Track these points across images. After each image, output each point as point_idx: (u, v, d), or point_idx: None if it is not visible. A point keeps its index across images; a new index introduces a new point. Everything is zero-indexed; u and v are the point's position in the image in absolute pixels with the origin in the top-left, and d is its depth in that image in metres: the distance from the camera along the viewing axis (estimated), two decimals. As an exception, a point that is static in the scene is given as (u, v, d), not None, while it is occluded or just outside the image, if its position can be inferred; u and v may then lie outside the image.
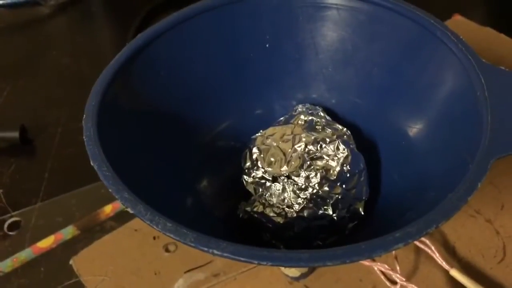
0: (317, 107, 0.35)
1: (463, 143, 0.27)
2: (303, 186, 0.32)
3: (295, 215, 0.32)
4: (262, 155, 0.33)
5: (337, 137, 0.32)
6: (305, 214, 0.32)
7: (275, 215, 0.33)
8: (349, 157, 0.32)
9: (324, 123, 0.33)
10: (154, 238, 0.42)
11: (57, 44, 0.62)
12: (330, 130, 0.33)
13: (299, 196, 0.32)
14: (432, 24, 0.31)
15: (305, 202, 0.32)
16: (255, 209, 0.33)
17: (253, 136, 0.34)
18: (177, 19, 0.32)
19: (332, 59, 0.35)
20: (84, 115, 0.28)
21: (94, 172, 0.45)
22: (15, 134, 0.48)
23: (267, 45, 0.35)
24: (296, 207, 0.32)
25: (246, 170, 0.34)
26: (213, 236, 0.22)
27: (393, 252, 0.37)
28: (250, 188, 0.34)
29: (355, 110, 0.36)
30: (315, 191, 0.32)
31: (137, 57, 0.31)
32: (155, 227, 0.23)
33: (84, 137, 0.27)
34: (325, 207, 0.32)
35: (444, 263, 0.37)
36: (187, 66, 0.33)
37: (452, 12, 0.57)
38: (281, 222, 0.32)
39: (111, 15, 0.69)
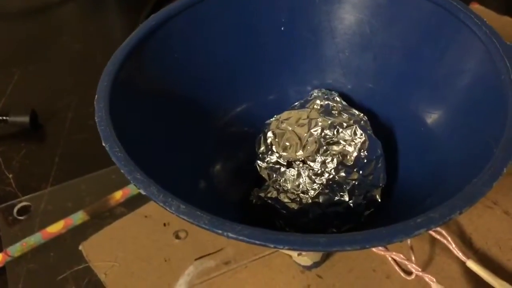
0: (333, 92, 0.34)
1: (487, 128, 0.26)
2: (319, 172, 0.31)
3: (310, 201, 0.31)
4: (277, 140, 0.32)
5: (354, 122, 0.32)
6: (321, 200, 0.31)
7: (290, 201, 0.32)
8: (367, 143, 0.31)
9: (340, 108, 0.33)
10: (165, 224, 0.41)
11: (68, 30, 0.62)
12: (346, 115, 0.32)
13: (314, 182, 0.31)
14: (455, 6, 0.30)
15: (320, 188, 0.31)
16: (268, 195, 0.33)
17: (268, 121, 0.34)
18: (191, 1, 0.31)
19: (349, 43, 0.34)
20: (96, 96, 0.27)
21: (104, 158, 0.44)
22: (26, 119, 0.48)
23: (283, 28, 0.34)
24: (312, 193, 0.31)
25: (260, 155, 0.33)
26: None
27: (409, 241, 0.36)
28: (264, 174, 0.33)
29: (372, 95, 0.35)
30: (331, 176, 0.31)
31: (151, 37, 0.30)
32: (168, 209, 0.22)
33: (96, 118, 0.26)
34: (341, 193, 0.31)
35: (460, 254, 0.36)
36: (202, 48, 0.33)
37: (470, 1, 0.56)
38: (296, 208, 0.32)
39: (122, 2, 0.68)
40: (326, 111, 0.32)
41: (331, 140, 0.31)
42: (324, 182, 0.31)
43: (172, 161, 0.29)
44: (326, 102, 0.33)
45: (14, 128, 0.49)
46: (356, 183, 0.31)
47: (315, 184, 0.31)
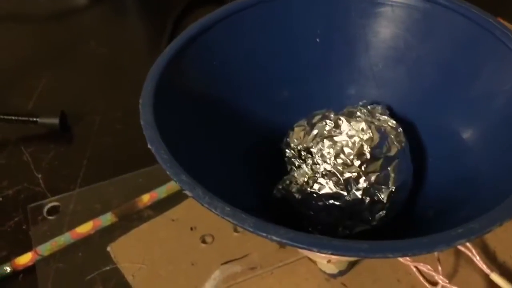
0: (379, 106, 0.34)
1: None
2: (318, 161, 0.31)
3: (309, 190, 0.31)
4: (293, 132, 0.33)
5: (366, 120, 0.32)
6: (319, 191, 0.31)
7: (296, 191, 0.32)
8: (374, 140, 0.31)
9: (367, 113, 0.33)
10: (191, 229, 0.42)
11: (94, 35, 0.63)
12: (366, 114, 0.33)
13: (314, 172, 0.31)
14: (491, 23, 0.30)
15: (318, 179, 0.31)
16: (284, 185, 0.33)
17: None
18: (232, 9, 0.32)
19: (383, 56, 0.35)
20: (141, 100, 0.28)
21: (131, 162, 0.46)
22: (55, 121, 0.49)
23: (318, 40, 0.35)
24: (310, 183, 0.31)
25: (284, 148, 0.34)
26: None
27: (436, 253, 0.37)
28: (288, 167, 0.34)
29: (404, 109, 0.35)
30: (328, 167, 0.31)
31: (191, 45, 0.31)
32: (213, 210, 0.23)
33: (141, 121, 0.27)
34: (339, 186, 0.31)
35: (484, 266, 0.36)
36: (238, 55, 0.33)
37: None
38: (299, 198, 0.32)
39: (147, 7, 0.70)
40: (351, 113, 0.33)
41: (333, 131, 0.31)
42: (323, 172, 0.31)
43: (212, 163, 0.30)
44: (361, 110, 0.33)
45: (44, 129, 0.49)
46: (353, 176, 0.30)
47: (317, 174, 0.31)
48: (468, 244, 0.38)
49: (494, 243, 0.40)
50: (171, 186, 0.44)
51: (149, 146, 0.26)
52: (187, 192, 0.24)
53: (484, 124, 0.31)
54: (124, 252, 0.40)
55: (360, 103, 0.34)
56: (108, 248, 0.40)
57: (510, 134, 0.28)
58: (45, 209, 0.43)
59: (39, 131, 0.49)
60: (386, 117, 0.33)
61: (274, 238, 0.22)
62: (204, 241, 0.41)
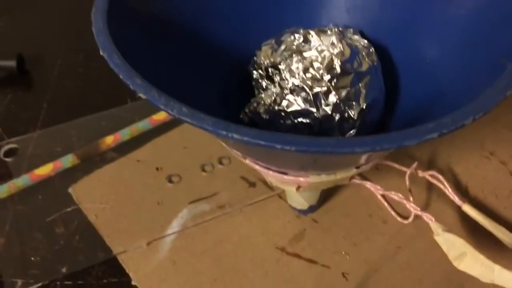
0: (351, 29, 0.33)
1: (501, 49, 0.25)
2: (286, 77, 0.30)
3: (277, 109, 0.30)
4: (262, 51, 0.31)
5: (337, 35, 0.30)
6: (287, 109, 0.30)
7: (263, 111, 0.30)
8: (345, 54, 0.29)
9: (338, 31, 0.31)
10: (157, 169, 0.40)
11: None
12: (339, 34, 0.31)
13: (283, 88, 0.30)
14: None
15: (286, 95, 0.30)
16: (251, 108, 0.31)
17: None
18: None
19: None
20: (93, 8, 0.26)
21: (95, 105, 0.44)
22: (12, 63, 0.46)
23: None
24: (278, 100, 0.30)
25: (251, 69, 0.32)
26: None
27: (407, 183, 0.36)
28: (255, 90, 0.32)
29: (375, 34, 0.34)
30: (297, 83, 0.29)
31: None
32: (169, 111, 0.21)
33: (93, 29, 0.25)
34: (307, 102, 0.29)
35: (456, 198, 0.36)
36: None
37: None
38: (267, 118, 0.30)
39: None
40: (321, 30, 0.31)
41: (302, 46, 0.30)
42: (291, 88, 0.29)
43: (172, 70, 0.28)
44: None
45: (1, 72, 0.47)
46: (322, 91, 0.29)
47: (284, 90, 0.30)
48: (440, 177, 0.37)
49: (466, 179, 0.39)
50: (136, 128, 0.42)
51: (101, 52, 0.24)
52: (141, 95, 0.22)
53: (449, 46, 0.30)
54: (86, 193, 0.39)
55: (331, 25, 0.33)
56: (70, 190, 0.39)
57: (466, 53, 0.27)
58: (2, 151, 0.41)
59: (-4, 74, 0.47)
60: (357, 37, 0.31)
61: (235, 136, 0.20)
62: (170, 181, 0.39)
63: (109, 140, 0.42)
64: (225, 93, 0.32)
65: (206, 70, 0.32)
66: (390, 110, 0.32)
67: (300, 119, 0.29)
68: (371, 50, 0.31)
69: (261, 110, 0.30)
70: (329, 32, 0.31)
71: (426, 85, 0.29)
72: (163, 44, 0.29)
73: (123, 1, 0.27)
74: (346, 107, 0.29)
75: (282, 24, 0.33)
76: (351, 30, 0.32)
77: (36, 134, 0.42)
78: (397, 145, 0.20)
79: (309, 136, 0.20)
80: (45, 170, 0.39)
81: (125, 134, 0.42)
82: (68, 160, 0.40)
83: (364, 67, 0.29)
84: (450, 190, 0.36)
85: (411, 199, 0.35)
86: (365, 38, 0.33)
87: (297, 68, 0.29)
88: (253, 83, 0.32)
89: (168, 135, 0.43)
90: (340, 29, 0.32)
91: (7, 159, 0.40)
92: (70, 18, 0.54)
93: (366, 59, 0.30)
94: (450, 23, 0.30)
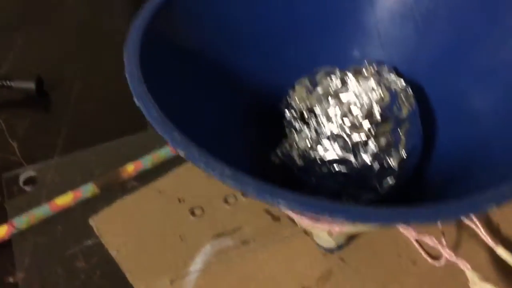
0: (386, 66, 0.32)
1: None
2: (322, 123, 0.28)
3: (313, 156, 0.28)
4: (295, 91, 0.30)
5: (375, 77, 0.29)
6: (324, 156, 0.28)
7: (297, 157, 0.29)
8: (385, 100, 0.28)
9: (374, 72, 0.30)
10: (180, 200, 0.39)
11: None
12: (377, 75, 0.30)
13: (318, 134, 0.28)
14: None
15: (322, 142, 0.28)
16: (283, 150, 0.30)
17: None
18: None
19: (389, 11, 0.32)
20: (124, 52, 0.25)
21: (115, 129, 0.43)
22: (31, 85, 0.45)
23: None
24: (314, 146, 0.28)
25: (284, 109, 0.31)
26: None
27: (440, 226, 0.35)
28: (287, 130, 0.31)
29: (411, 71, 0.32)
30: (335, 130, 0.28)
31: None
32: (211, 172, 0.20)
33: (126, 74, 0.24)
34: (345, 150, 0.28)
35: (489, 240, 0.35)
36: (236, 7, 0.30)
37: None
38: (302, 164, 0.29)
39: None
40: (357, 71, 0.30)
41: (339, 89, 0.28)
42: (328, 134, 0.28)
43: (206, 123, 0.27)
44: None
45: (19, 94, 0.46)
46: (362, 141, 0.28)
47: (320, 137, 0.28)
48: (473, 217, 0.36)
49: (498, 218, 0.38)
50: (157, 156, 0.41)
51: (136, 101, 0.23)
52: (181, 152, 0.21)
53: (498, 93, 0.29)
54: (107, 225, 0.38)
55: (366, 61, 0.31)
56: (90, 221, 0.38)
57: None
58: (21, 179, 0.40)
59: (14, 97, 0.46)
60: (394, 77, 0.30)
61: (282, 203, 0.19)
62: (193, 214, 0.38)
63: (130, 168, 0.41)
64: (255, 131, 0.31)
65: (234, 107, 0.30)
66: (428, 154, 0.31)
67: (336, 167, 0.28)
68: (409, 93, 0.30)
69: (295, 154, 0.29)
70: (365, 72, 0.30)
71: (467, 132, 0.28)
72: (190, 75, 0.28)
73: (156, 40, 0.26)
74: (386, 156, 0.28)
75: (315, 59, 0.32)
76: (386, 68, 0.31)
77: (54, 161, 0.41)
78: (454, 217, 0.19)
79: (359, 206, 0.19)
80: (65, 199, 0.38)
81: (146, 162, 0.41)
82: (88, 190, 0.39)
83: (404, 112, 0.28)
84: (482, 230, 0.35)
85: (445, 243, 0.34)
86: (399, 75, 0.32)
87: (335, 113, 0.28)
88: (285, 122, 0.31)
89: (190, 164, 0.41)
90: (376, 67, 0.31)
91: (26, 188, 0.40)
92: (88, 35, 0.53)
93: (405, 103, 0.29)
94: (501, 68, 0.29)
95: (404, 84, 0.30)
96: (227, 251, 0.36)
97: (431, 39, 0.31)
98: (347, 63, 0.32)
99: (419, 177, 0.30)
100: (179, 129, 0.22)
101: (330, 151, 0.28)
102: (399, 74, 0.32)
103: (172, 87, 0.26)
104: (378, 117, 0.28)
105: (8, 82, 0.45)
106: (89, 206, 0.38)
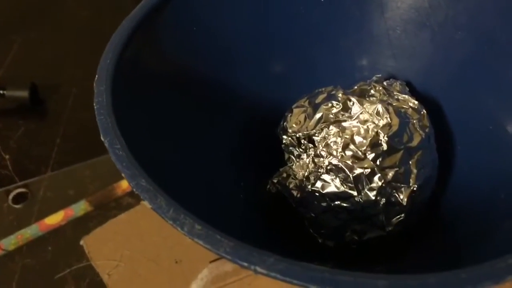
0: (398, 80, 0.28)
1: None
2: (321, 152, 0.25)
3: (310, 189, 0.25)
4: (291, 115, 0.27)
5: (383, 102, 0.25)
6: (322, 189, 0.25)
7: (294, 188, 0.26)
8: (392, 127, 0.24)
9: (383, 91, 0.26)
10: (176, 220, 0.37)
11: (74, -6, 0.57)
12: (386, 96, 0.26)
13: (317, 165, 0.25)
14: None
15: (321, 174, 0.25)
16: (280, 180, 0.27)
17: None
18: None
19: (402, 19, 0.28)
20: (97, 76, 0.22)
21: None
22: (25, 93, 0.43)
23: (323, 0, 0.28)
24: (312, 178, 0.25)
25: (280, 133, 0.28)
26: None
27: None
28: (286, 156, 0.28)
29: (427, 85, 0.29)
30: (335, 161, 0.25)
31: (166, 6, 0.25)
32: (179, 229, 0.17)
33: (94, 104, 0.21)
34: (347, 184, 0.25)
35: None
36: (225, 20, 0.27)
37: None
38: (298, 196, 0.26)
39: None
40: (363, 92, 0.26)
41: (341, 115, 0.25)
42: (327, 167, 0.25)
43: (189, 156, 0.24)
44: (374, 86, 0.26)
45: (12, 103, 0.44)
46: (367, 173, 0.24)
47: (319, 169, 0.25)
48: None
49: None
50: (155, 170, 0.39)
51: (102, 138, 0.20)
52: (146, 202, 0.18)
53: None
54: (99, 246, 0.35)
55: (374, 77, 0.28)
56: (81, 242, 0.36)
57: None
58: (11, 196, 0.38)
59: (7, 105, 0.44)
60: (406, 95, 0.26)
61: (259, 270, 0.16)
62: (190, 235, 0.36)
63: (125, 184, 0.38)
64: (250, 157, 0.28)
65: (223, 133, 0.27)
66: (443, 180, 0.27)
67: (337, 202, 0.24)
68: (422, 113, 0.26)
69: (291, 186, 0.26)
70: (372, 91, 0.26)
71: (492, 161, 0.24)
72: (177, 110, 0.25)
73: (134, 64, 0.23)
74: (393, 191, 0.24)
75: (316, 74, 0.29)
76: (398, 85, 0.27)
77: (47, 175, 0.39)
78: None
79: (353, 274, 0.16)
80: (55, 219, 0.36)
81: (142, 176, 0.39)
82: (80, 208, 0.37)
83: (416, 140, 0.25)
84: None
85: None
86: (414, 92, 0.28)
87: (335, 143, 0.24)
88: (283, 146, 0.28)
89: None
90: (385, 84, 0.27)
91: (16, 206, 0.38)
92: (87, 39, 0.51)
93: (418, 128, 0.25)
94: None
95: (417, 103, 0.26)
96: (225, 277, 0.34)
97: (449, 50, 0.27)
98: (354, 76, 0.28)
99: (432, 209, 0.27)
100: (149, 172, 0.19)
101: (329, 185, 0.25)
102: (412, 90, 0.28)
103: (146, 118, 0.23)
104: (385, 146, 0.24)
105: (0, 91, 0.43)
106: (81, 225, 0.36)
